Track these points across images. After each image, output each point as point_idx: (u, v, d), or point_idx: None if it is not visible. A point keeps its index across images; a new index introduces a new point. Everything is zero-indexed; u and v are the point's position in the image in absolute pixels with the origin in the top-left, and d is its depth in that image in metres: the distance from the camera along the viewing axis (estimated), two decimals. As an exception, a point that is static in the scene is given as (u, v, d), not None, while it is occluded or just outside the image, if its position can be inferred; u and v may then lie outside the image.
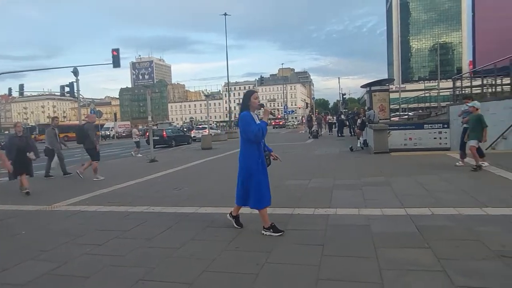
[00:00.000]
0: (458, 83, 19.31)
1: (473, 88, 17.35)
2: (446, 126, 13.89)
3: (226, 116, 74.33)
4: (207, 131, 25.98)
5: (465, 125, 7.88)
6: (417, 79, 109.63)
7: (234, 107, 72.87)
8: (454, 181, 6.33)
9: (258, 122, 3.81)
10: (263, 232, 3.90)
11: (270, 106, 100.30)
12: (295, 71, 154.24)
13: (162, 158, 13.78)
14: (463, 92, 18.27)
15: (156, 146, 20.40)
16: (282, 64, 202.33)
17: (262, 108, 3.95)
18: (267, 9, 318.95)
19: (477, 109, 7.45)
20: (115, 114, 58.82)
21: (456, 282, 2.56)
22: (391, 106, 27.75)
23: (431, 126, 12.84)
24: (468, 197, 5.05)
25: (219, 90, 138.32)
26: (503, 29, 17.30)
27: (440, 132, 12.85)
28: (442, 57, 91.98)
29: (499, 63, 14.04)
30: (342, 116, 26.37)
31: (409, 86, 78.93)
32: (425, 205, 4.70)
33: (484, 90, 16.09)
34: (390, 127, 12.45)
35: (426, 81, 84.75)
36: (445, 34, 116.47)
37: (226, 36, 63.91)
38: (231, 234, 3.96)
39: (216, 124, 65.65)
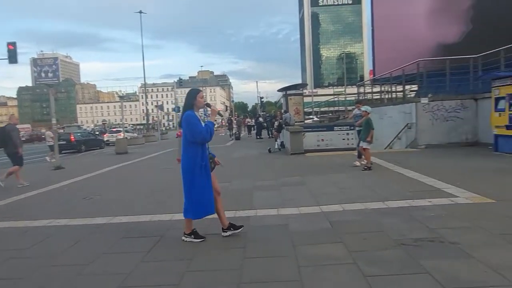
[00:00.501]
0: (361, 89, 21.41)
1: (373, 94, 19.40)
2: (352, 128, 15.21)
3: (144, 119, 70.81)
4: (122, 135, 24.41)
5: (357, 128, 8.67)
6: (327, 84, 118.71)
7: (152, 109, 69.86)
8: (360, 178, 6.96)
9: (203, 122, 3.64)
10: (183, 238, 3.77)
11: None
12: (215, 74, 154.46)
13: (69, 165, 12.52)
14: (365, 97, 20.34)
15: (63, 152, 18.54)
16: (202, 66, 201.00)
17: (208, 108, 3.81)
18: (178, 10, 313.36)
19: (368, 113, 8.29)
20: (11, 116, 51.56)
21: (366, 272, 2.78)
22: (305, 109, 29.45)
23: (340, 128, 13.89)
24: (373, 193, 5.59)
25: (135, 92, 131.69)
26: (399, 40, 19.67)
27: (347, 134, 14.00)
28: (347, 65, 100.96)
29: (394, 73, 15.92)
30: (260, 119, 27.19)
31: (320, 91, 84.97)
32: (337, 202, 5.06)
33: (382, 96, 18.11)
34: (305, 129, 13.20)
35: (334, 87, 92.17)
36: (349, 44, 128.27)
37: (142, 35, 60.55)
38: (149, 244, 3.75)
39: (132, 127, 62.14)
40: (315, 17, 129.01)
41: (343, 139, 13.63)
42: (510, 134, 9.05)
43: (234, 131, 26.28)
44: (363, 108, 8.52)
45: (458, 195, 5.05)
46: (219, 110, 4.01)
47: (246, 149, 15.53)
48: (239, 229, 3.86)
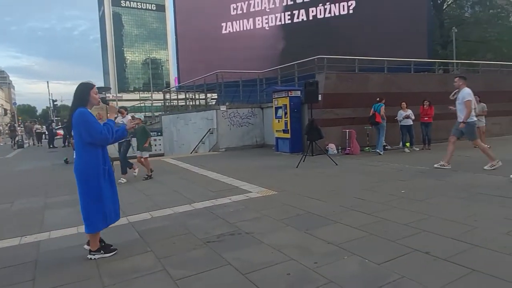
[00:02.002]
0: (167, 96, 21.75)
1: (179, 101, 20.07)
2: (160, 133, 15.30)
3: None
4: None
5: (132, 136, 7.91)
6: (132, 89, 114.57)
7: None
8: (167, 183, 7.06)
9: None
10: (90, 257, 3.27)
11: None
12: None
13: None
14: (172, 103, 20.80)
15: None
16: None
17: (106, 105, 3.34)
18: None
19: (141, 121, 8.03)
20: None
21: (174, 276, 2.84)
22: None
23: (147, 135, 13.66)
24: (180, 196, 5.77)
25: None
26: (201, 51, 21.04)
27: (155, 140, 13.94)
28: (153, 71, 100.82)
29: (197, 81, 16.97)
30: (54, 125, 23.50)
31: (126, 96, 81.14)
32: (146, 210, 4.95)
33: (187, 103, 18.99)
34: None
35: (141, 92, 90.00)
36: (155, 50, 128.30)
37: None
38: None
39: None
40: (117, 18, 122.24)
41: (151, 145, 13.51)
42: (286, 137, 11.22)
43: (17, 139, 22.01)
44: (137, 116, 8.42)
45: (251, 191, 5.86)
46: (119, 108, 3.41)
47: (36, 161, 13.08)
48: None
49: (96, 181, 3.20)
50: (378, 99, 10.59)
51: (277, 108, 11.72)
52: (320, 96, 10.60)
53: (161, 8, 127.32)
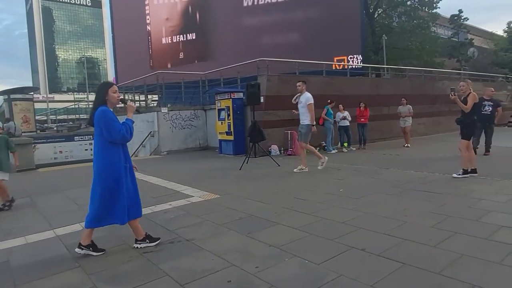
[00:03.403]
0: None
1: (117, 102, 19.04)
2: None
3: None
4: None
5: None
6: (66, 89, 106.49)
7: None
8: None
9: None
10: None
11: None
12: None
13: None
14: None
15: None
16: None
17: (124, 104, 3.47)
18: None
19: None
20: None
21: (105, 293, 2.62)
22: (38, 117, 25.16)
23: (81, 138, 12.83)
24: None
25: None
26: (140, 50, 20.20)
27: (91, 144, 13.05)
28: (89, 70, 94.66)
29: (136, 82, 16.24)
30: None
31: (58, 97, 75.23)
32: (77, 221, 4.55)
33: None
34: (36, 141, 11.28)
35: (75, 93, 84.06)
36: (90, 49, 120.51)
37: None
38: None
39: None
40: (47, 12, 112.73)
41: (86, 150, 12.67)
42: (229, 139, 11.17)
43: None
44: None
45: (193, 195, 5.69)
46: (136, 106, 3.55)
47: None
48: (156, 241, 3.54)
49: (118, 178, 3.25)
50: (329, 101, 11.14)
51: (220, 110, 11.62)
52: (262, 98, 10.72)
53: (97, 4, 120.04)
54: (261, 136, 9.09)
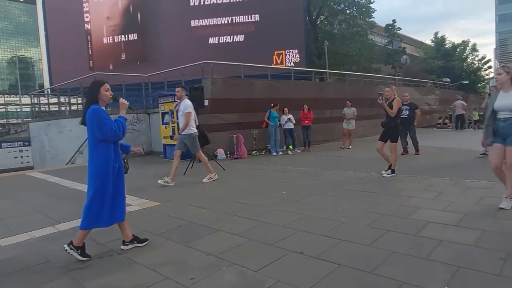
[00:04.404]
0: (36, 100, 18.93)
1: (51, 106, 17.65)
2: (27, 143, 13.18)
3: None
4: None
5: None
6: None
7: None
8: (28, 201, 6.02)
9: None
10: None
11: None
12: None
13: None
14: (42, 108, 18.18)
15: None
16: None
17: (116, 102, 3.40)
18: None
19: None
20: None
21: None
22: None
23: (10, 145, 11.75)
24: (42, 217, 4.93)
25: None
26: (77, 50, 18.91)
27: (21, 151, 12.01)
28: (23, 71, 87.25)
29: (71, 84, 15.17)
30: None
31: (-16, 99, 68.14)
32: (-8, 239, 4.05)
33: (62, 108, 16.84)
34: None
35: (6, 95, 76.70)
36: (24, 48, 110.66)
37: None
38: None
39: None
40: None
41: (16, 157, 11.59)
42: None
43: None
44: None
45: (131, 204, 5.36)
46: (129, 104, 3.48)
47: None
48: (144, 242, 3.54)
49: (105, 178, 3.20)
50: (272, 104, 11.27)
51: (163, 114, 11.23)
52: (207, 101, 10.55)
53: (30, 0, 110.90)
54: (206, 140, 8.90)
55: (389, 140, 6.63)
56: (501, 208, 4.03)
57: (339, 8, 27.56)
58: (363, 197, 5.12)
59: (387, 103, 6.49)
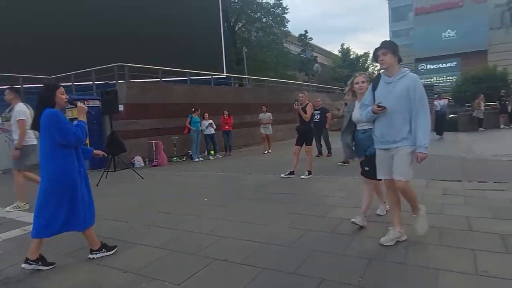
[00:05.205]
0: None
1: None
2: None
3: None
4: None
5: None
6: None
7: None
8: None
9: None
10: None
11: None
12: None
13: None
14: None
15: None
16: None
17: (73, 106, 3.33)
18: None
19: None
20: None
21: None
22: None
23: None
24: None
25: None
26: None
27: None
28: None
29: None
30: None
31: None
32: None
33: None
34: None
35: None
36: None
37: None
38: None
39: None
40: None
41: None
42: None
43: None
44: None
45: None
46: (87, 108, 3.32)
47: None
48: (113, 249, 3.40)
49: (73, 183, 3.08)
50: (193, 109, 11.02)
51: (72, 120, 10.21)
52: (122, 106, 9.93)
53: None
54: (121, 147, 8.35)
55: (304, 144, 7.00)
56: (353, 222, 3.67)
57: (255, 16, 28.44)
58: (283, 199, 5.29)
59: (301, 108, 6.87)
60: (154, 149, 10.57)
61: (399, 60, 3.20)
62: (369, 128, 3.50)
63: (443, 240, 3.26)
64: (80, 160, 3.22)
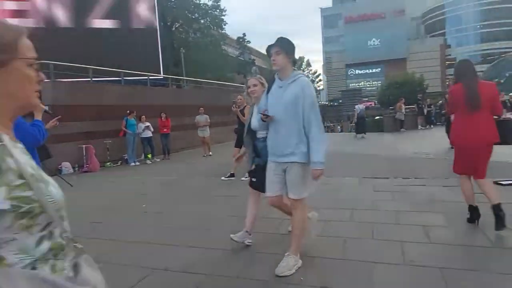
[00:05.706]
0: None
1: None
2: None
3: None
4: None
5: None
6: None
7: None
8: None
9: None
10: None
11: None
12: None
13: None
14: None
15: None
16: None
17: None
18: None
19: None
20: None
21: None
22: None
23: None
24: None
25: None
26: None
27: None
28: None
29: None
30: None
31: None
32: None
33: None
34: None
35: None
36: None
37: None
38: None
39: None
40: None
41: None
42: None
43: None
44: None
45: None
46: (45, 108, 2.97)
47: None
48: None
49: None
50: (128, 111, 10.47)
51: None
52: (47, 107, 9.07)
53: None
54: (46, 153, 7.61)
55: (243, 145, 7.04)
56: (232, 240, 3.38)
57: (193, 17, 28.03)
58: (225, 201, 5.27)
59: (239, 110, 6.90)
60: (84, 154, 9.85)
61: (294, 63, 2.95)
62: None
63: (375, 234, 3.51)
64: (36, 162, 2.76)
